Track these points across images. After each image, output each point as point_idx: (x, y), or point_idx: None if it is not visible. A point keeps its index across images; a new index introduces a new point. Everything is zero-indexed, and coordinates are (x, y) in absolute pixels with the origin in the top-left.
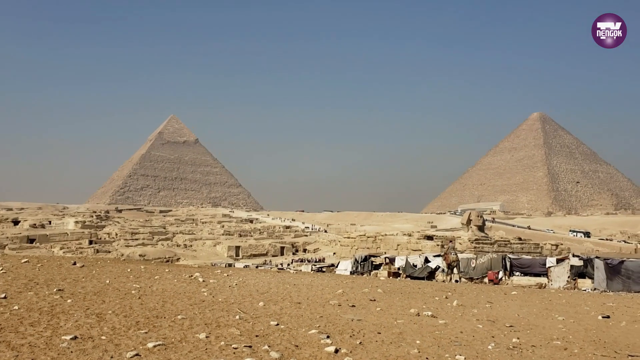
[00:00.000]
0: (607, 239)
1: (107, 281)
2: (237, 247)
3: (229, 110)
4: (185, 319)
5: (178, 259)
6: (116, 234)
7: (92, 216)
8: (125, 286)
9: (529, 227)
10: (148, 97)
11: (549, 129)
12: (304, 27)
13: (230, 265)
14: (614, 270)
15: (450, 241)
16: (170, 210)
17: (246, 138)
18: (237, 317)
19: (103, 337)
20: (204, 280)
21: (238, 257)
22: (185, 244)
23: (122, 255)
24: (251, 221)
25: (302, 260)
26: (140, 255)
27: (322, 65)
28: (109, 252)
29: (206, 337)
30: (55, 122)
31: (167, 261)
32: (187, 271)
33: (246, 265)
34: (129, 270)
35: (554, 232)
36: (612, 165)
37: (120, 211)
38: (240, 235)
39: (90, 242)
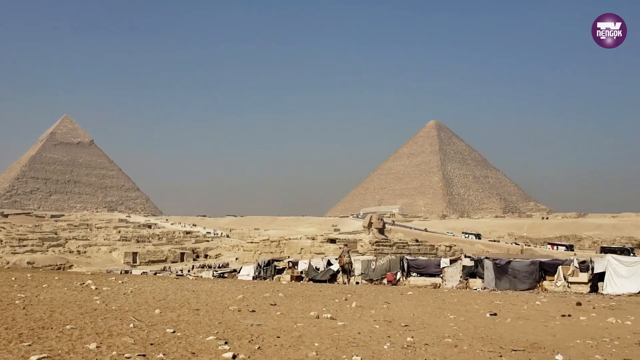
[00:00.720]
0: (495, 241)
1: None
2: (135, 254)
3: (128, 111)
4: (75, 329)
5: (70, 266)
6: (1, 241)
7: None
8: (9, 296)
9: (425, 230)
10: (40, 95)
11: (444, 136)
12: (208, 25)
13: (126, 272)
14: (502, 269)
15: (345, 245)
16: (63, 215)
17: (145, 140)
18: (132, 325)
19: None
20: (96, 288)
21: (135, 264)
22: (78, 251)
23: (8, 263)
24: (149, 226)
25: (203, 266)
26: (28, 263)
27: (223, 68)
28: None
29: (97, 347)
30: None
31: (59, 269)
32: (79, 279)
33: (144, 272)
34: (13, 278)
35: (453, 235)
36: (500, 171)
37: (6, 216)
38: (138, 241)
39: None
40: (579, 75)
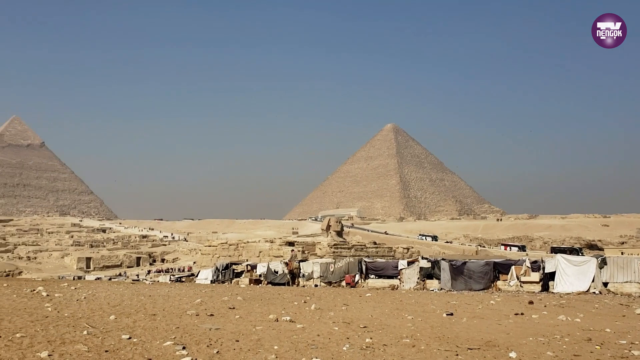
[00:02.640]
0: (449, 242)
1: None
2: (88, 259)
3: (81, 112)
4: (25, 337)
5: (20, 273)
6: None
7: None
8: None
9: (385, 232)
10: None
11: (401, 140)
12: (165, 30)
13: (80, 278)
14: (458, 270)
15: (292, 250)
16: (12, 220)
17: (99, 143)
18: (85, 332)
19: None
20: (48, 295)
21: (89, 269)
22: (28, 257)
23: None
24: (104, 231)
25: (166, 270)
26: None
27: (179, 71)
28: None
29: (49, 355)
30: None
31: (7, 275)
32: (29, 285)
33: (98, 278)
34: None
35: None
36: (456, 174)
37: None
38: (92, 246)
39: None
40: (578, 73)
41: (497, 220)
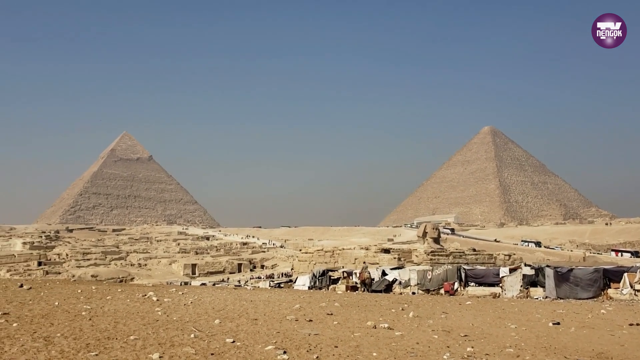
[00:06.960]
0: (549, 247)
1: (56, 303)
2: (194, 265)
3: (185, 126)
4: (138, 340)
5: (132, 279)
6: (67, 255)
7: (41, 237)
8: (76, 308)
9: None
10: (100, 113)
11: (499, 142)
12: (263, 43)
13: (186, 283)
14: (563, 278)
15: (364, 262)
16: (124, 229)
17: (202, 155)
18: (192, 335)
19: None
20: (158, 299)
21: (194, 275)
22: (139, 263)
23: (73, 276)
24: (207, 238)
25: (259, 277)
26: (92, 276)
27: (278, 83)
28: (59, 273)
29: (159, 357)
30: (2, 139)
31: (121, 281)
32: (140, 290)
33: (203, 283)
34: (79, 291)
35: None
36: (560, 177)
37: (71, 231)
38: (197, 253)
39: (39, 264)
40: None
41: (606, 224)
